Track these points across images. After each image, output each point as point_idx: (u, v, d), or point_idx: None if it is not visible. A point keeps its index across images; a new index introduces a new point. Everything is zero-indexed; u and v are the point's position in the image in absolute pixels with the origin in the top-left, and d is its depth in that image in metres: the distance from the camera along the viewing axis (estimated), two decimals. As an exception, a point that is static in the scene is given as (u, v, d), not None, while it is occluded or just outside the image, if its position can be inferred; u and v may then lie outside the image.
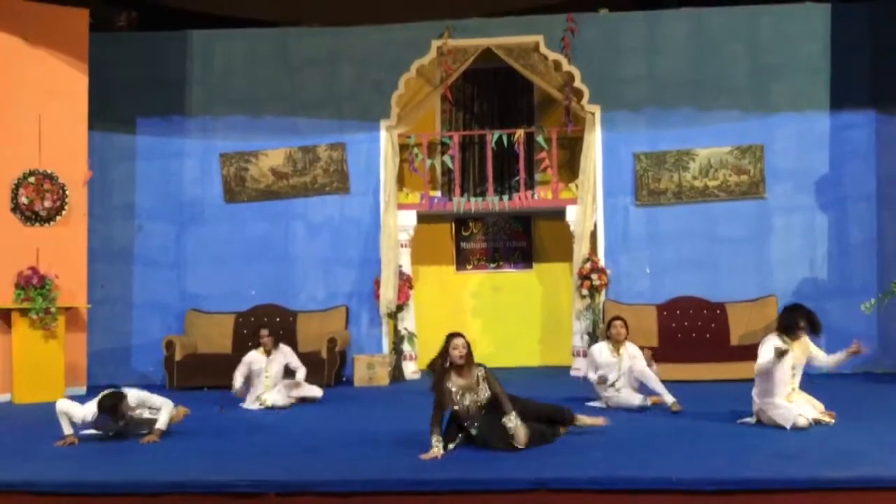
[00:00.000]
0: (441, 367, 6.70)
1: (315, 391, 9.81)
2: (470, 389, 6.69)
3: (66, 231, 11.06)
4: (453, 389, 6.69)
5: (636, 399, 8.56)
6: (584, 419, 7.17)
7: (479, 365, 6.80)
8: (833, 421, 7.30)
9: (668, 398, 8.43)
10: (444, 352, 6.72)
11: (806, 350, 7.56)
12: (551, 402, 7.23)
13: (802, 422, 7.16)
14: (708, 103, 12.23)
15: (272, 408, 9.24)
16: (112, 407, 7.19)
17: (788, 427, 7.18)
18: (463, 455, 6.45)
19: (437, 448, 6.36)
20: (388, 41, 12.49)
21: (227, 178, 12.56)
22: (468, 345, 6.77)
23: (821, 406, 7.45)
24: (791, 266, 12.02)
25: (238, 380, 9.43)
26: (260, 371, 9.51)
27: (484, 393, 6.68)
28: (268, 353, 9.60)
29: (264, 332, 9.66)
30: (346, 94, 12.58)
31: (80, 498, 5.79)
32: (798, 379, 7.53)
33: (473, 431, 6.73)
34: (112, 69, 12.35)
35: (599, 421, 7.24)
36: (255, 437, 7.65)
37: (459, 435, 6.76)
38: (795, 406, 7.31)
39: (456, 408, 6.70)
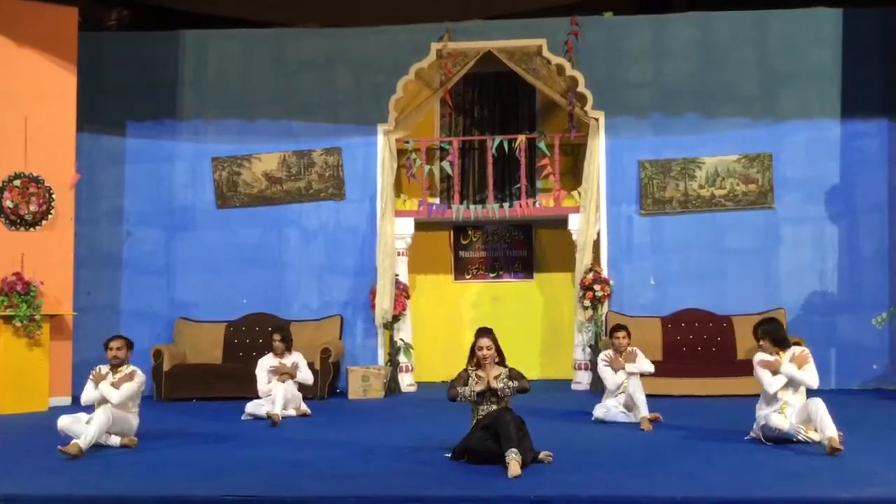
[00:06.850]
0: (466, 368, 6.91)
1: (307, 378, 9.69)
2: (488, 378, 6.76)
3: (51, 236, 10.88)
4: (471, 378, 6.83)
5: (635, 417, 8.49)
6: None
7: (507, 368, 6.92)
8: (832, 452, 6.57)
9: (643, 412, 8.31)
10: (472, 353, 6.91)
11: (802, 365, 7.30)
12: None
13: (777, 419, 7.09)
14: (715, 110, 12.08)
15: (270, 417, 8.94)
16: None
17: (762, 423, 7.16)
18: (462, 472, 6.34)
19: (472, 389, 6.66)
20: (387, 43, 12.36)
21: (218, 183, 12.40)
22: (495, 345, 6.89)
23: (832, 434, 6.68)
24: (800, 278, 11.84)
25: (262, 380, 9.50)
26: (272, 372, 9.59)
27: (503, 384, 6.73)
28: (280, 356, 9.69)
29: (276, 335, 9.76)
30: (342, 98, 12.45)
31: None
32: (793, 394, 7.26)
33: (485, 410, 6.73)
34: (102, 69, 12.20)
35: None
36: (245, 450, 7.50)
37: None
38: (784, 417, 7.19)
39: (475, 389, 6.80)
